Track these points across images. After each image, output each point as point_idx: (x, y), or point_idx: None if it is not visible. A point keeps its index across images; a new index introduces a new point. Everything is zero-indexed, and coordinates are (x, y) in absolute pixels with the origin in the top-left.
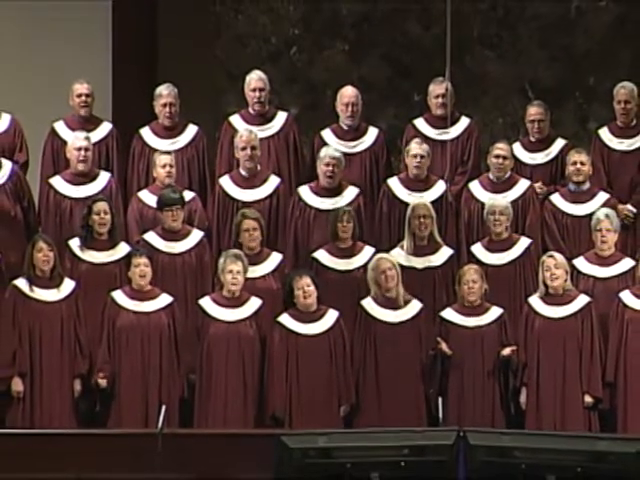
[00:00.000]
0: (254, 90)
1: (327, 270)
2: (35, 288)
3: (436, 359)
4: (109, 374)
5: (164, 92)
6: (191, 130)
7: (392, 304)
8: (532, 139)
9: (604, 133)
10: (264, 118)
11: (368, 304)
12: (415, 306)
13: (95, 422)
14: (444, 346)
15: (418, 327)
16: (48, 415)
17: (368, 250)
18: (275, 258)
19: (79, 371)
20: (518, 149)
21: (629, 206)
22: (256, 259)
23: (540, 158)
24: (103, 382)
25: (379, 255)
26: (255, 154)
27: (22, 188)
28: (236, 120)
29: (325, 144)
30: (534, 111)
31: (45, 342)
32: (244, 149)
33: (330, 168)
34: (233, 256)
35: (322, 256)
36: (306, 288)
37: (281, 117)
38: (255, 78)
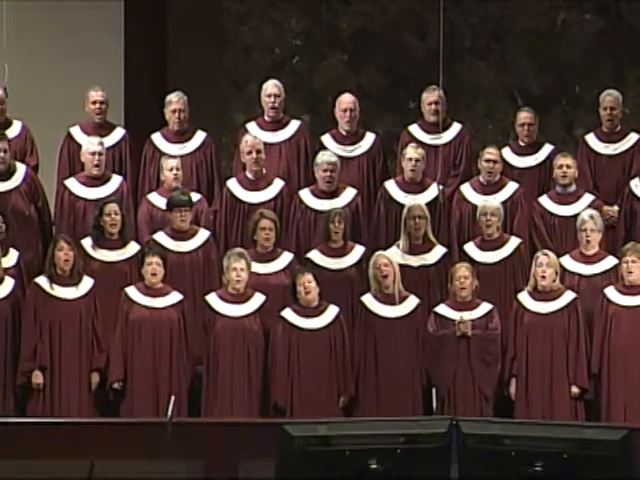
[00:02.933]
0: (269, 96)
1: (320, 269)
2: (55, 286)
3: (444, 341)
4: (122, 379)
5: (174, 99)
6: (200, 136)
7: (390, 300)
8: (521, 143)
9: (590, 138)
10: (278, 124)
11: (368, 300)
12: (412, 302)
13: (110, 412)
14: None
15: (415, 322)
16: (67, 406)
17: (359, 249)
18: (287, 256)
19: (96, 365)
20: (508, 153)
21: (615, 207)
22: (269, 257)
23: (529, 162)
24: (117, 385)
25: (378, 252)
26: (260, 157)
27: (36, 189)
28: (252, 127)
29: (325, 148)
30: (524, 115)
31: (64, 337)
32: (249, 153)
33: (328, 174)
34: (237, 255)
35: (315, 256)
36: (307, 284)
37: (294, 125)
38: (271, 85)
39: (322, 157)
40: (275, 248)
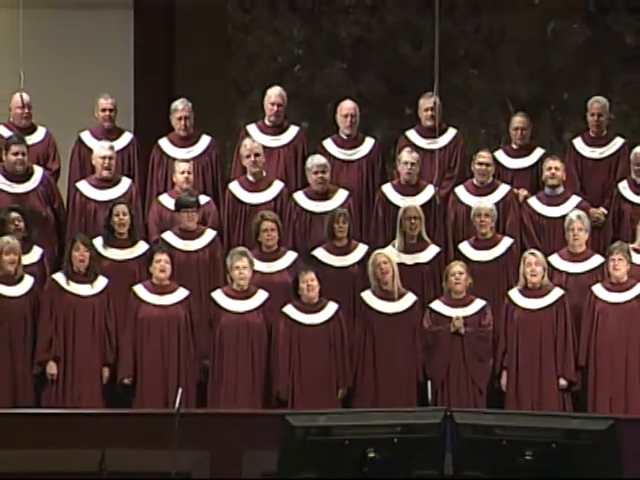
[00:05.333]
0: (273, 103)
1: (325, 266)
2: (71, 282)
3: (439, 336)
4: (132, 375)
5: (179, 107)
6: (205, 140)
7: (388, 296)
8: (514, 146)
9: (578, 142)
10: (278, 129)
11: (367, 296)
12: (409, 299)
13: (119, 405)
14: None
15: (412, 318)
16: (79, 397)
17: (362, 248)
18: (290, 255)
19: (108, 360)
20: (501, 155)
21: (602, 208)
22: (273, 256)
23: (521, 163)
24: (127, 381)
25: (377, 251)
26: (259, 160)
27: (52, 192)
28: (252, 129)
29: (324, 152)
30: (518, 119)
31: (78, 331)
32: (248, 156)
33: (319, 175)
34: (239, 253)
35: (320, 254)
36: (310, 282)
37: (293, 130)
38: (276, 93)
39: (312, 161)
40: (279, 247)
